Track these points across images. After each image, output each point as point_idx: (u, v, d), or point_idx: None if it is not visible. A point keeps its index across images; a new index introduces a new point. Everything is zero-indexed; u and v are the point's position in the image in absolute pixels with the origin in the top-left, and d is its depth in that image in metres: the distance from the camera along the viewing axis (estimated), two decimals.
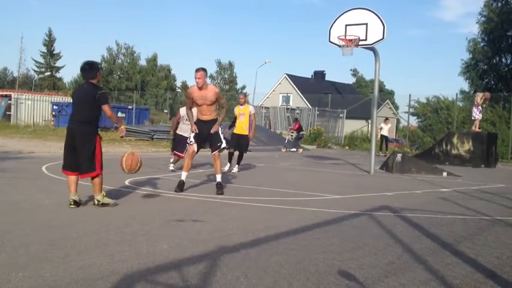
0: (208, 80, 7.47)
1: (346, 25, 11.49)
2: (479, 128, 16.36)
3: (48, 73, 60.72)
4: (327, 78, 49.62)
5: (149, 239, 4.41)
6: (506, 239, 5.05)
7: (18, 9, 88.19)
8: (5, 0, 79.89)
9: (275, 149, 19.76)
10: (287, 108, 32.59)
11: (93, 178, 5.85)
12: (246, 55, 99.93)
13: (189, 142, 7.52)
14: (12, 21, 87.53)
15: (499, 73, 31.66)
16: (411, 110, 30.92)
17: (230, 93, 60.30)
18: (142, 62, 65.44)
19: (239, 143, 10.64)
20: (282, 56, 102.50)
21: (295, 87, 44.16)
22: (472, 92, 30.93)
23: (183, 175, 7.39)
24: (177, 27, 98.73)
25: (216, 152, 7.31)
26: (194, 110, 7.67)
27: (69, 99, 35.91)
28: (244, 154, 11.01)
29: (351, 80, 67.92)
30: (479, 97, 16.24)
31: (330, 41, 11.71)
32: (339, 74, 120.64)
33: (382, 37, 11.19)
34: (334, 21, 11.71)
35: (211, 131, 7.23)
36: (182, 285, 3.24)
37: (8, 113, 32.24)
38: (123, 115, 33.01)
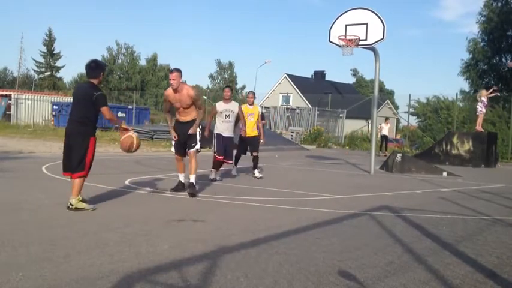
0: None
1: (346, 25, 11.49)
2: (481, 125, 16.31)
3: (48, 73, 60.71)
4: (327, 78, 49.64)
5: (149, 239, 4.41)
6: (506, 239, 5.05)
7: (18, 9, 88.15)
8: (5, 0, 79.87)
9: (275, 149, 19.75)
10: (287, 108, 32.59)
11: (75, 178, 5.65)
12: (246, 55, 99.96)
13: (172, 150, 7.35)
14: (12, 21, 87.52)
15: (499, 73, 31.66)
16: (411, 110, 30.90)
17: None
18: (142, 62, 65.48)
19: (250, 145, 9.90)
20: (282, 56, 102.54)
21: (295, 87, 44.16)
22: (472, 91, 30.95)
23: (181, 177, 7.31)
24: (177, 27, 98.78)
25: (191, 151, 7.01)
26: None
27: (69, 99, 35.97)
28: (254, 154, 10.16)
29: (351, 80, 67.98)
30: (483, 92, 16.25)
31: (330, 41, 11.72)
32: (339, 74, 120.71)
33: (382, 37, 11.19)
34: (334, 21, 11.71)
35: (189, 133, 6.95)
36: (182, 285, 3.24)
37: (8, 112, 32.23)
38: (123, 115, 33.00)
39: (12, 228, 4.63)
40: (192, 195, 6.87)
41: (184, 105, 6.95)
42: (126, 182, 8.01)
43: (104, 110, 5.65)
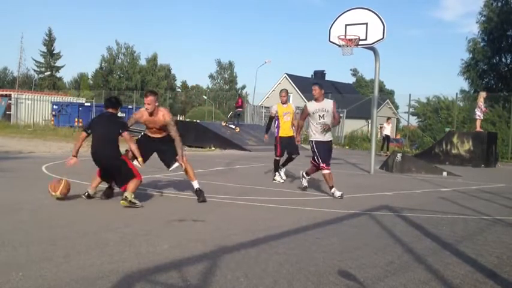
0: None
1: (346, 25, 11.49)
2: (480, 128, 16.34)
3: (48, 73, 60.77)
4: (327, 78, 49.64)
5: (149, 239, 4.41)
6: (506, 239, 5.05)
7: (18, 9, 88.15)
8: (5, 0, 79.87)
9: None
10: None
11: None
12: (246, 55, 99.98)
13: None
14: (12, 21, 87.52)
15: (499, 73, 31.65)
16: (411, 109, 30.90)
17: (230, 93, 60.30)
18: (142, 62, 65.51)
19: (288, 146, 9.29)
20: (282, 56, 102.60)
21: (295, 87, 44.19)
22: (472, 91, 30.94)
23: (195, 184, 6.74)
24: (177, 27, 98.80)
25: (180, 161, 6.56)
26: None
27: (69, 99, 35.95)
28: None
29: (351, 80, 68.04)
30: (483, 94, 16.31)
31: (330, 41, 11.71)
32: (339, 73, 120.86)
33: (382, 37, 11.19)
34: (334, 21, 11.70)
35: (177, 159, 6.54)
36: (182, 285, 3.24)
37: (8, 112, 32.23)
38: (123, 115, 32.96)
39: (12, 228, 4.63)
40: (203, 201, 6.53)
41: (157, 127, 6.61)
42: None
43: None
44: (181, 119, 39.57)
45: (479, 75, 31.64)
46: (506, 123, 21.31)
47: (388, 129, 21.71)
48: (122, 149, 6.34)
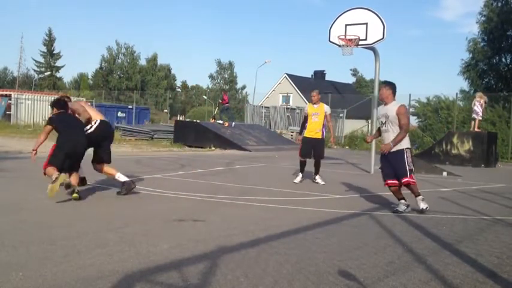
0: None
1: (346, 25, 11.49)
2: (478, 128, 16.35)
3: (48, 73, 60.78)
4: (327, 78, 49.65)
5: (149, 239, 4.41)
6: (506, 239, 5.05)
7: (18, 9, 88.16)
8: (5, 0, 79.88)
9: (275, 149, 19.75)
10: (287, 108, 32.60)
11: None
12: (246, 55, 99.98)
13: None
14: (12, 21, 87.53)
15: (499, 73, 31.63)
16: (411, 110, 30.89)
17: (230, 93, 60.30)
18: (142, 62, 65.52)
19: (314, 149, 9.10)
20: (282, 56, 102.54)
21: (295, 87, 44.19)
22: (472, 91, 30.90)
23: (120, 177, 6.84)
24: (177, 27, 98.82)
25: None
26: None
27: None
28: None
29: (351, 80, 67.85)
30: (478, 98, 16.32)
31: (330, 41, 11.72)
32: (339, 73, 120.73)
33: (382, 37, 11.19)
34: (334, 21, 11.71)
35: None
36: (182, 285, 3.24)
37: (8, 112, 32.21)
38: (123, 115, 33.00)
39: (12, 228, 4.63)
40: (128, 189, 6.69)
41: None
42: None
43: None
44: (181, 119, 39.60)
45: (479, 75, 31.62)
46: (506, 123, 21.30)
47: None
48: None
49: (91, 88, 59.03)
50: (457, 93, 28.26)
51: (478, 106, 15.95)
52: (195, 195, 7.08)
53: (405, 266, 3.88)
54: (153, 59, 66.07)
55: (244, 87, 67.66)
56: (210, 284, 3.27)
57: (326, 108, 9.25)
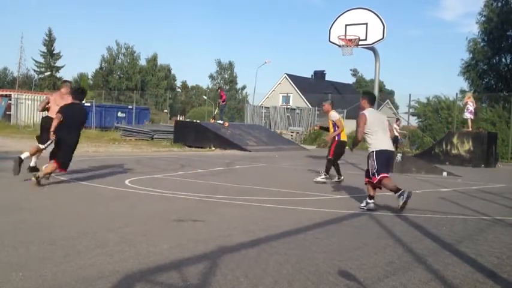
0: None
1: (346, 25, 11.52)
2: (471, 128, 16.34)
3: (48, 73, 60.70)
4: (327, 78, 49.67)
5: (149, 239, 4.41)
6: (506, 239, 5.05)
7: (18, 9, 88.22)
8: (5, 0, 79.92)
9: (275, 149, 19.75)
10: (287, 108, 32.61)
11: None
12: (246, 55, 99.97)
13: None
14: (12, 21, 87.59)
15: (499, 73, 31.63)
16: (411, 110, 30.89)
17: (230, 93, 60.32)
18: (142, 62, 65.48)
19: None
20: (282, 56, 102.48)
21: (295, 87, 44.20)
22: (472, 91, 30.91)
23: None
24: (177, 27, 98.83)
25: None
26: None
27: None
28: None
29: (351, 80, 67.87)
30: (467, 98, 16.41)
31: (330, 41, 11.74)
32: (339, 74, 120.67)
33: (382, 37, 11.21)
34: (334, 21, 11.73)
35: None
36: (182, 285, 3.24)
37: (8, 112, 32.20)
38: (123, 115, 32.98)
39: (12, 228, 4.63)
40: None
41: None
42: (126, 182, 8.00)
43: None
44: (181, 119, 39.58)
45: (479, 75, 31.62)
46: (506, 123, 21.30)
47: (397, 130, 21.76)
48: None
49: (91, 88, 59.02)
50: (457, 94, 28.27)
51: (472, 106, 15.95)
52: (195, 196, 7.08)
53: (405, 266, 3.88)
54: (153, 59, 66.03)
55: (244, 87, 67.66)
56: (210, 284, 3.27)
57: (331, 117, 9.78)
